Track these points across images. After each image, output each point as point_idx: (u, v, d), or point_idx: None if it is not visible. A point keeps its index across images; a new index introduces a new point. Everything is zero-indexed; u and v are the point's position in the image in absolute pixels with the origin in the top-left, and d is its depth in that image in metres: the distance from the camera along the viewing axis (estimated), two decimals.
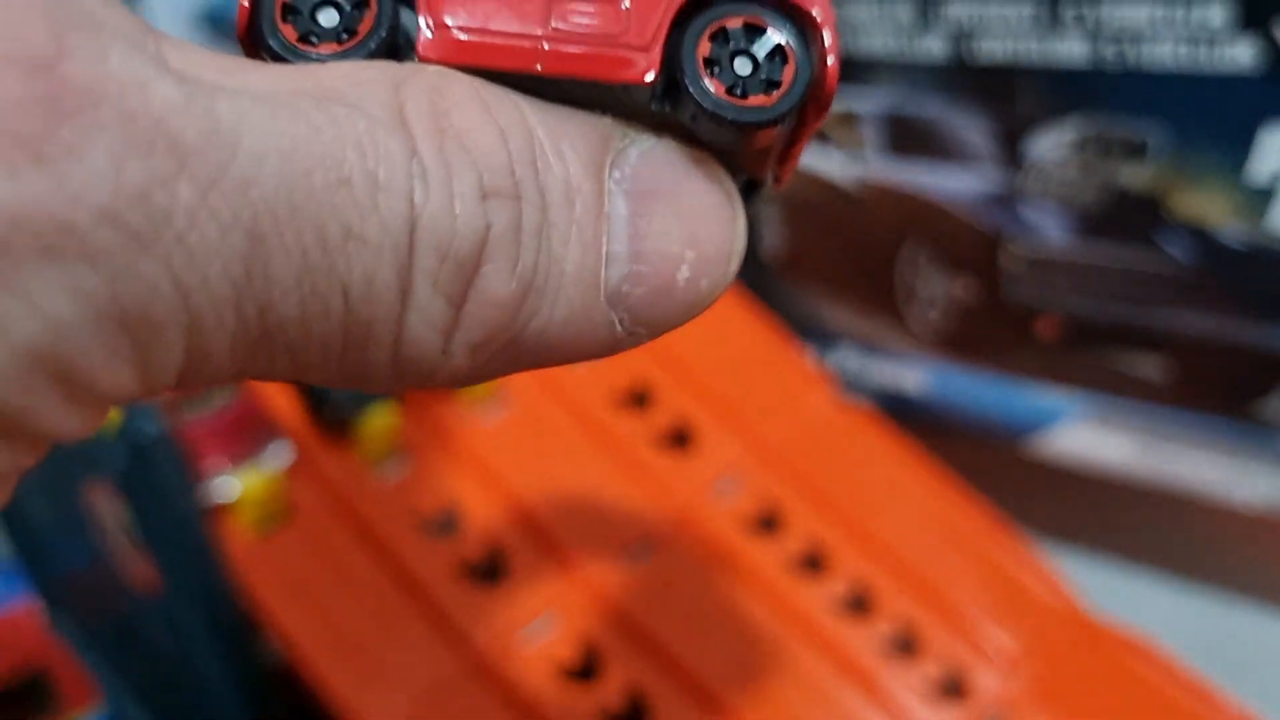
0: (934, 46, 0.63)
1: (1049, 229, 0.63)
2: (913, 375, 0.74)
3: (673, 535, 0.66)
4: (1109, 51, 0.55)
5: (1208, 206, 0.54)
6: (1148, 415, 0.65)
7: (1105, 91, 0.56)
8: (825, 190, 0.73)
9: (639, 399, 0.72)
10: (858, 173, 0.71)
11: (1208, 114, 0.52)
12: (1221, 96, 0.51)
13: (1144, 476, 0.66)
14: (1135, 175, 0.57)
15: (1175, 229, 0.56)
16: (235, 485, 0.58)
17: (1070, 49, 0.57)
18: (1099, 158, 0.58)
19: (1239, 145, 0.52)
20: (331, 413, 0.62)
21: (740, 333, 0.77)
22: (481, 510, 0.63)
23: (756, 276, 0.80)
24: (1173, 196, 0.55)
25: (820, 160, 0.72)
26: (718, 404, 0.72)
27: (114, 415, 0.56)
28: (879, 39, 0.66)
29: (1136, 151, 0.56)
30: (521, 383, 0.69)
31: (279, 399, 0.63)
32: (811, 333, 0.78)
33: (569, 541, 0.63)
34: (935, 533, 0.70)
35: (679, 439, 0.71)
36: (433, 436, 0.66)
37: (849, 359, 0.77)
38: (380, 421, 0.62)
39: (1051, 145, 0.60)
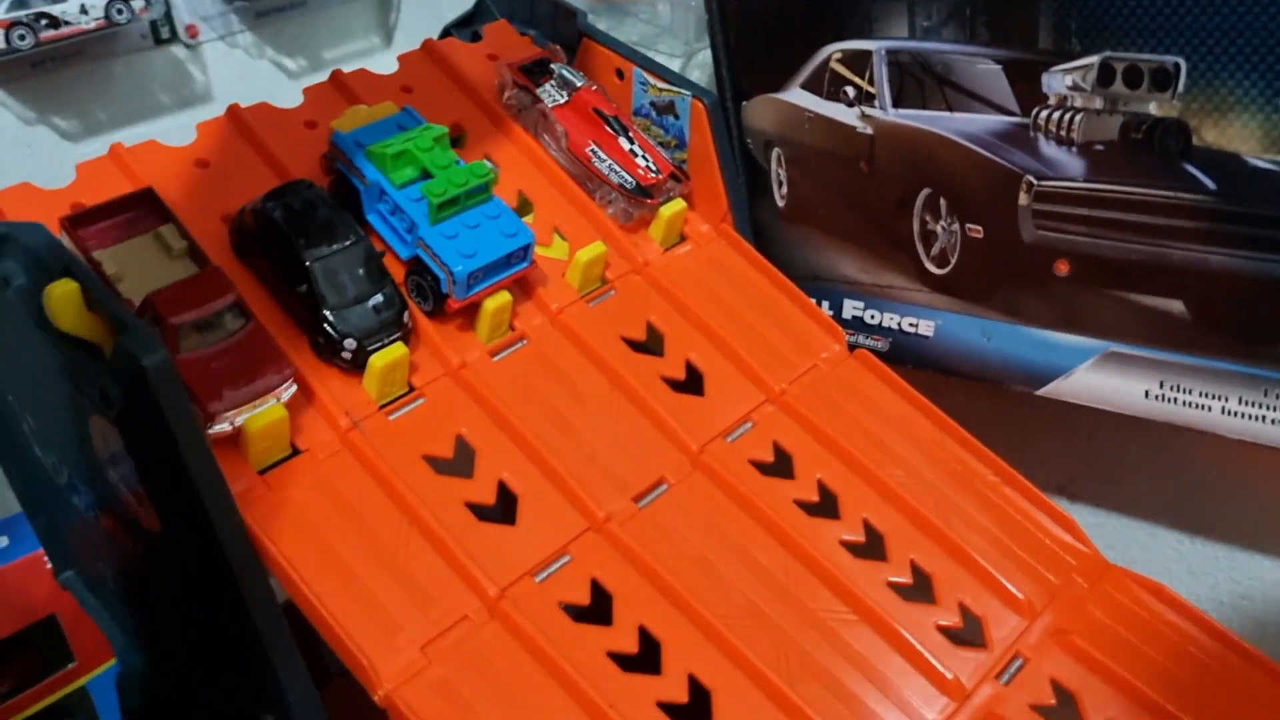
0: None
1: (1069, 166, 0.62)
2: (925, 322, 0.73)
3: (686, 479, 0.65)
4: None
5: (1240, 134, 0.53)
6: (1166, 358, 0.64)
7: (1133, 19, 0.55)
8: (836, 136, 0.72)
9: (652, 346, 0.70)
10: (871, 114, 0.70)
11: (1242, 39, 0.51)
12: (1258, 20, 0.50)
13: (1160, 421, 0.66)
14: (1163, 106, 0.56)
15: (1204, 158, 0.55)
16: (239, 420, 0.56)
17: None
18: (1126, 89, 0.57)
19: (1275, 72, 0.51)
20: (340, 349, 0.60)
21: (751, 282, 0.76)
22: (494, 450, 0.62)
23: (767, 226, 0.79)
24: (1203, 126, 0.55)
25: (831, 105, 0.71)
26: (729, 352, 0.71)
27: (113, 346, 0.54)
28: None
29: (1165, 81, 0.55)
30: (535, 325, 0.68)
31: (286, 335, 0.62)
32: (822, 281, 0.77)
33: (583, 484, 0.62)
34: (947, 479, 0.69)
35: (692, 385, 0.70)
36: (444, 376, 0.64)
37: (859, 307, 0.76)
38: (389, 359, 0.61)
39: (1074, 79, 0.59)
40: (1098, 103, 0.59)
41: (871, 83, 0.68)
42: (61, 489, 0.68)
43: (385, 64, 1.13)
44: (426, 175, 0.64)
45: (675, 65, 0.82)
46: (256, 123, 0.70)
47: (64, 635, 0.86)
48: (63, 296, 0.53)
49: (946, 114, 0.65)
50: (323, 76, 1.08)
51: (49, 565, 0.78)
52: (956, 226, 0.68)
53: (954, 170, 0.66)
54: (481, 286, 0.64)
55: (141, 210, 0.62)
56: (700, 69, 0.85)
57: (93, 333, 0.56)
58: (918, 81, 0.66)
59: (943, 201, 0.68)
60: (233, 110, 0.71)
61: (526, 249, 0.66)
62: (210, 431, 0.56)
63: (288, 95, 1.03)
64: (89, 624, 0.78)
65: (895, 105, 0.67)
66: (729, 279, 0.75)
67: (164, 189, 0.65)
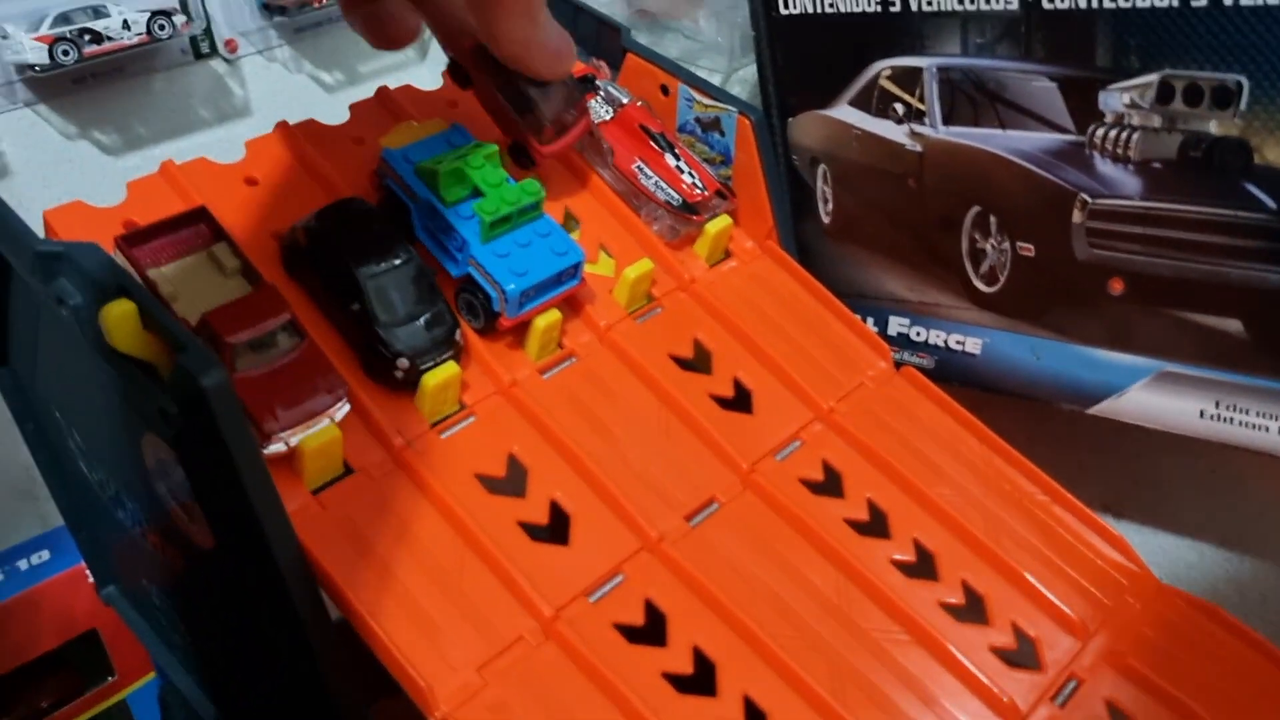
0: None
1: (1125, 184, 0.61)
2: (973, 340, 0.72)
3: (738, 498, 0.64)
4: None
5: None
6: (1222, 378, 0.63)
7: (1194, 35, 0.55)
8: (884, 152, 0.72)
9: (700, 363, 0.70)
10: (921, 132, 0.69)
11: None
12: None
13: (1214, 441, 0.65)
14: (1224, 124, 0.55)
15: (1265, 177, 0.55)
16: (293, 439, 0.56)
17: None
18: (1185, 107, 0.57)
19: None
20: (393, 368, 0.60)
21: (796, 299, 0.75)
22: (546, 469, 0.62)
23: (812, 243, 0.78)
24: (1265, 144, 0.54)
25: (879, 122, 0.71)
26: (777, 370, 0.71)
27: (169, 366, 0.54)
28: None
29: (1226, 99, 0.55)
30: (584, 343, 0.68)
31: (337, 353, 0.61)
32: (867, 298, 0.77)
33: (635, 503, 0.61)
34: (996, 498, 0.69)
35: (740, 403, 0.69)
36: (495, 394, 0.64)
37: (905, 324, 0.76)
38: (441, 378, 0.61)
39: (1132, 97, 0.59)
40: (1156, 121, 0.58)
41: (922, 100, 0.68)
42: (106, 504, 0.68)
43: (420, 77, 1.14)
44: (478, 193, 0.64)
45: (717, 81, 0.82)
46: (305, 139, 0.70)
47: (105, 650, 0.86)
48: (120, 317, 0.53)
49: (999, 132, 0.65)
50: (359, 90, 1.09)
51: (91, 580, 0.79)
52: (1007, 244, 0.67)
53: (1006, 188, 0.66)
54: (533, 305, 0.64)
55: (195, 228, 0.62)
56: (742, 85, 0.85)
57: (148, 352, 0.56)
58: (969, 99, 0.66)
59: (993, 219, 0.68)
60: (281, 127, 0.71)
61: (577, 267, 0.65)
62: (266, 452, 0.56)
63: (325, 108, 1.04)
64: (130, 638, 0.78)
65: (946, 123, 0.67)
66: (775, 296, 0.75)
67: (215, 206, 0.65)
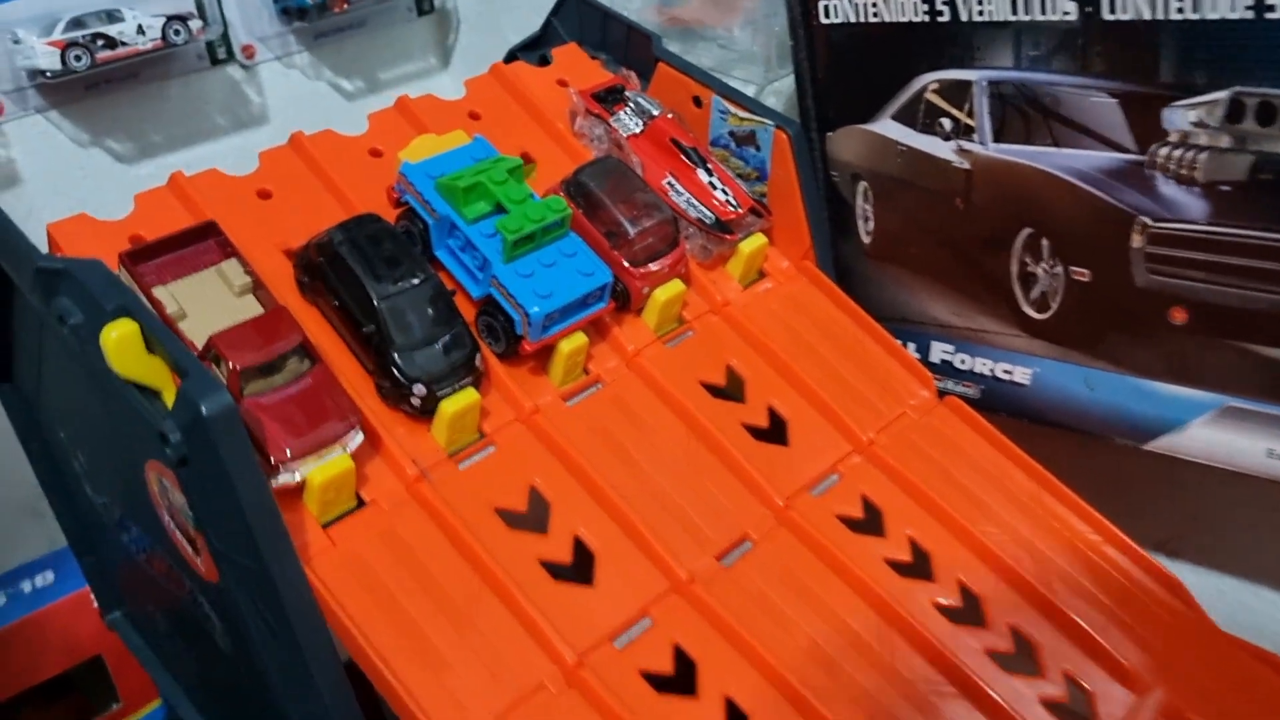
0: (1065, 4, 0.58)
1: (1189, 207, 0.58)
2: (1021, 369, 0.68)
3: (772, 536, 0.61)
4: None
5: None
6: None
7: (1269, 49, 0.51)
8: (930, 169, 0.68)
9: (733, 391, 0.67)
10: (969, 148, 0.65)
11: None
12: None
13: (1276, 483, 0.61)
14: None
15: None
16: (303, 469, 0.53)
17: None
18: (1258, 127, 0.53)
19: None
20: (409, 394, 0.57)
21: (834, 323, 0.72)
22: (569, 503, 0.58)
23: (851, 263, 0.75)
24: None
25: (925, 138, 0.67)
26: (813, 398, 0.67)
27: (174, 392, 0.51)
28: (1000, 1, 0.61)
29: None
30: (611, 368, 0.64)
31: (351, 377, 0.58)
32: (909, 323, 0.73)
33: (663, 540, 0.58)
34: (1045, 537, 0.65)
35: (775, 434, 0.66)
36: (515, 421, 0.61)
37: (949, 351, 0.72)
38: (460, 405, 0.57)
39: (1199, 114, 0.55)
40: (1224, 140, 0.55)
41: (971, 115, 0.64)
42: (111, 529, 0.65)
43: (443, 85, 1.11)
44: (500, 210, 0.61)
45: (751, 93, 0.78)
46: (320, 152, 0.67)
47: (110, 676, 0.83)
48: (121, 339, 0.50)
49: (1053, 149, 0.61)
50: (380, 98, 1.07)
51: (95, 604, 0.76)
52: (1060, 269, 0.64)
53: (1060, 209, 0.62)
54: (557, 328, 0.61)
55: (203, 244, 0.59)
56: (777, 97, 0.81)
57: (151, 376, 0.53)
58: (1022, 114, 0.62)
59: (1045, 242, 0.64)
60: (296, 139, 0.68)
61: (604, 289, 0.62)
62: (274, 484, 0.53)
63: (345, 116, 1.01)
64: (134, 665, 0.75)
65: (996, 139, 0.63)
66: (811, 319, 0.71)
67: (225, 221, 0.62)
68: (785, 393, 0.67)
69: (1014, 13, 0.60)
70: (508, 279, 0.60)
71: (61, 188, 0.88)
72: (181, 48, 0.88)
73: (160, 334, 0.51)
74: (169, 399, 0.53)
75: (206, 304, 0.57)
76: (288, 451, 0.52)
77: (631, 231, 0.64)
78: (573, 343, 0.62)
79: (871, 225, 0.73)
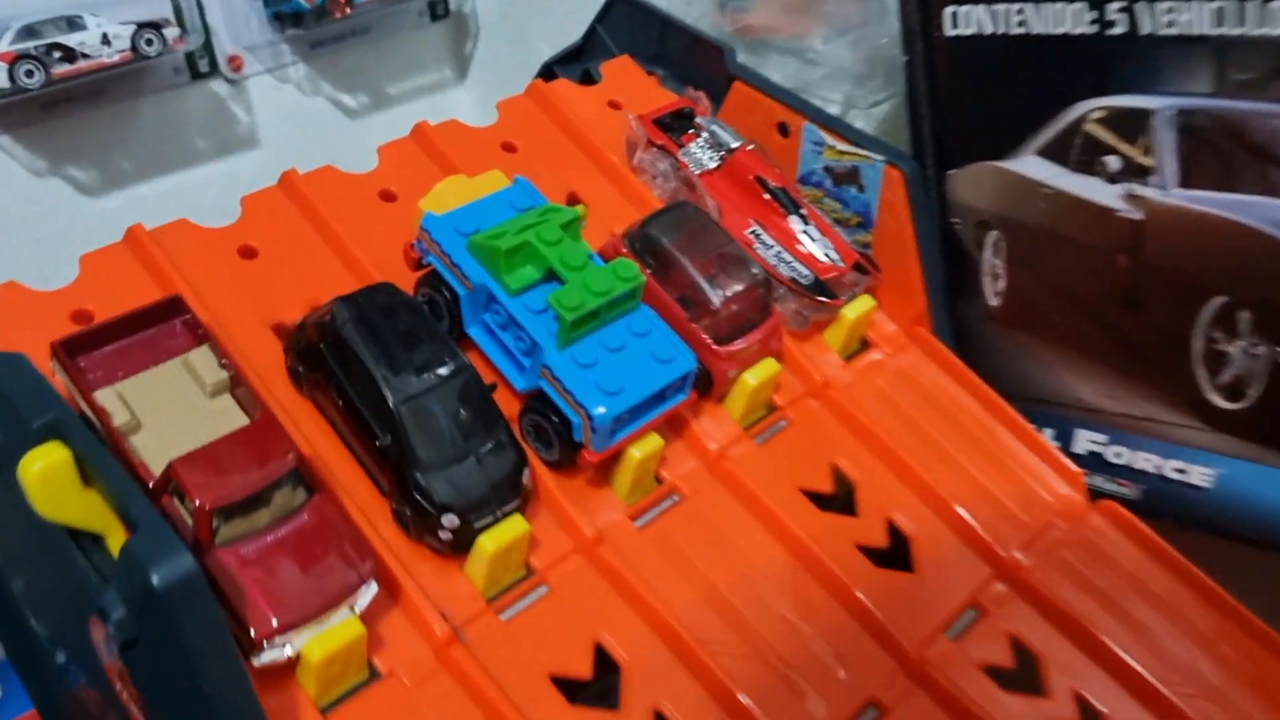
0: None
1: None
2: (1200, 469, 0.55)
3: (904, 701, 0.47)
4: None
5: None
6: None
7: None
8: (1086, 218, 0.54)
9: (842, 500, 0.53)
10: (1142, 194, 0.52)
11: None
12: None
13: None
14: None
15: None
16: (297, 640, 0.39)
17: None
18: None
19: None
20: (437, 526, 0.43)
21: (956, 405, 0.58)
22: (647, 666, 0.45)
23: (973, 329, 0.61)
24: None
25: (1081, 179, 0.53)
26: (940, 506, 0.53)
27: (122, 537, 0.38)
28: (1197, 10, 0.47)
29: None
30: (688, 474, 0.51)
31: (359, 499, 0.44)
32: (1049, 404, 0.59)
33: (767, 710, 0.44)
34: (1241, 686, 0.51)
35: (897, 556, 0.52)
36: (574, 553, 0.47)
37: (1100, 441, 0.58)
38: (504, 540, 0.44)
39: None
40: None
41: (1148, 152, 0.50)
42: (55, 663, 0.52)
43: (459, 101, 0.97)
44: (553, 278, 0.47)
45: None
46: (318, 195, 0.54)
47: None
48: (47, 472, 0.37)
49: (1262, 199, 0.47)
50: (387, 116, 0.93)
51: None
52: (1263, 349, 0.50)
53: (1267, 274, 0.48)
54: (627, 431, 0.47)
55: (166, 326, 0.45)
56: (866, 122, 0.68)
57: (90, 516, 0.39)
58: (1220, 153, 0.48)
59: (1244, 315, 0.50)
60: (288, 180, 0.54)
61: (686, 379, 0.48)
62: (257, 663, 0.39)
63: (348, 139, 0.88)
64: None
65: (1184, 184, 0.50)
66: (928, 401, 0.58)
67: (198, 288, 0.48)
68: (905, 500, 0.54)
69: (1218, 24, 0.46)
70: (563, 369, 0.46)
71: (10, 227, 0.75)
72: (155, 60, 0.76)
73: (101, 464, 0.38)
74: (114, 545, 0.39)
75: (168, 410, 0.43)
76: (275, 622, 0.39)
77: (715, 300, 0.50)
78: (645, 447, 0.48)
79: (1002, 284, 0.59)
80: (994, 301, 0.59)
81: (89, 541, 0.40)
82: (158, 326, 0.45)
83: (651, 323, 0.48)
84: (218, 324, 0.47)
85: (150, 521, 0.36)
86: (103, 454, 0.38)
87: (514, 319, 0.47)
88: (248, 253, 0.51)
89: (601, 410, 0.45)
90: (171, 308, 0.45)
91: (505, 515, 0.44)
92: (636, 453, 0.48)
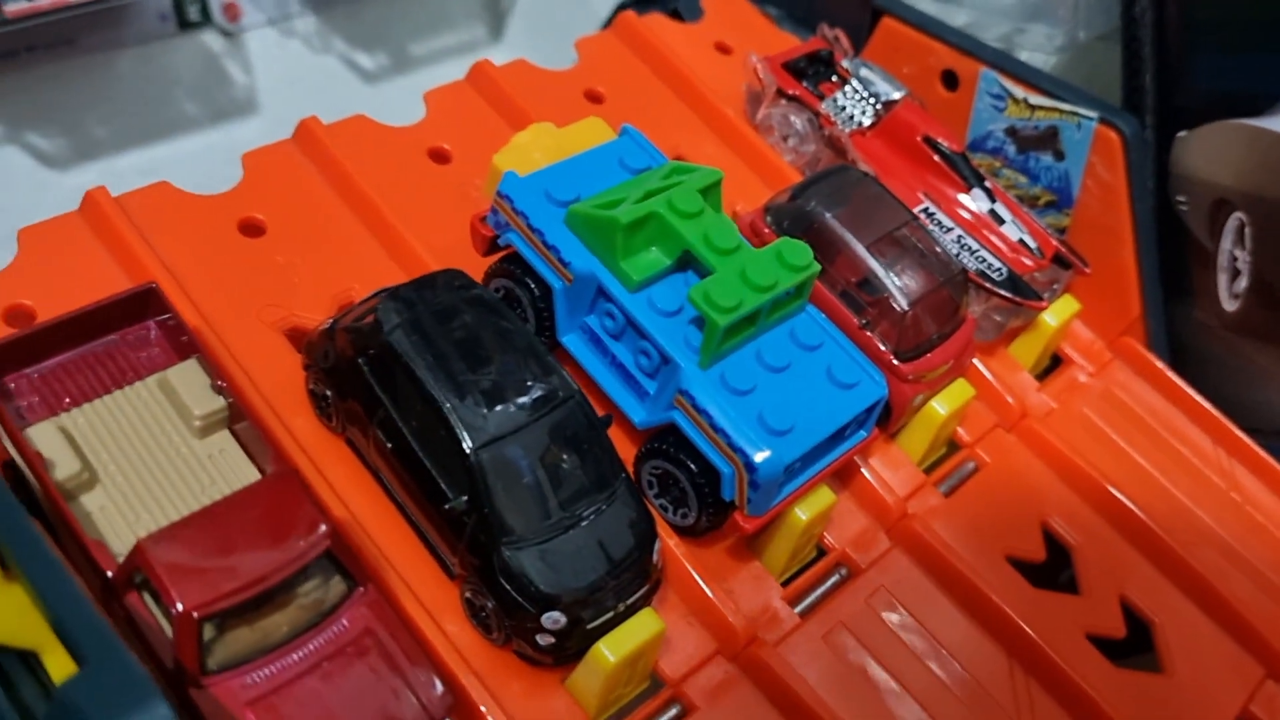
0: None
1: None
2: None
3: None
4: None
5: None
6: None
7: None
8: None
9: (1057, 572, 0.39)
10: None
11: None
12: None
13: None
14: None
15: None
16: None
17: None
18: None
19: None
20: (535, 626, 0.29)
21: (1187, 440, 0.44)
22: None
23: (1194, 340, 0.47)
24: None
25: None
26: (1185, 576, 0.40)
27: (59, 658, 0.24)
28: None
29: None
30: (857, 536, 0.37)
31: (427, 591, 0.30)
32: None
33: None
34: None
35: (1138, 648, 0.38)
36: (718, 656, 0.33)
37: None
38: (631, 646, 0.30)
39: None
40: None
41: None
42: None
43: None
44: (690, 262, 0.33)
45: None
46: (346, 153, 0.40)
47: None
48: None
49: None
50: (411, 80, 0.80)
51: None
52: None
53: None
54: (794, 486, 0.33)
55: (134, 331, 0.31)
56: (1066, 71, 0.53)
57: (20, 631, 0.25)
58: None
59: None
60: (307, 128, 0.40)
61: (872, 409, 0.34)
62: None
63: (364, 105, 0.74)
64: None
65: None
66: (1149, 435, 0.45)
67: (183, 275, 0.35)
68: (1141, 571, 0.40)
69: None
70: (710, 397, 0.32)
71: None
72: (136, 4, 0.63)
73: (23, 551, 0.24)
74: (55, 670, 0.26)
75: (137, 457, 0.29)
76: None
77: (901, 300, 0.36)
78: (814, 506, 0.34)
79: (1244, 282, 0.45)
80: (1230, 305, 0.46)
81: (14, 662, 0.26)
82: (123, 330, 0.31)
83: (823, 331, 0.35)
84: (210, 327, 0.34)
85: (103, 649, 0.22)
86: (27, 534, 0.24)
87: (634, 323, 0.33)
88: (251, 228, 0.38)
89: (768, 455, 0.31)
90: (143, 303, 0.31)
91: (631, 609, 0.31)
92: (802, 514, 0.34)
